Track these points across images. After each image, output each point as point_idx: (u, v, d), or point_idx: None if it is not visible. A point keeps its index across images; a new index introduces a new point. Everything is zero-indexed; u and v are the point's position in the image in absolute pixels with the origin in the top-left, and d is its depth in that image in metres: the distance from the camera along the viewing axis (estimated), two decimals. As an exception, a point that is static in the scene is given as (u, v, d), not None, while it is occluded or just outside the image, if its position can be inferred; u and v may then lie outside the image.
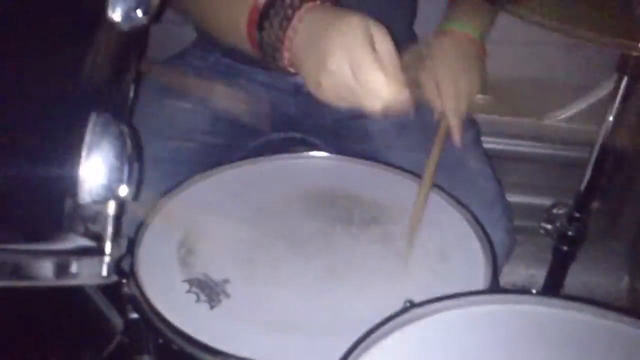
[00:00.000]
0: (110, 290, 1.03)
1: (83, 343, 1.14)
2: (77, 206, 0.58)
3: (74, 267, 0.59)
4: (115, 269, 0.64)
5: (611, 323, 0.82)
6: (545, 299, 0.85)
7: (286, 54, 0.97)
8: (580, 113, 1.72)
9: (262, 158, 1.24)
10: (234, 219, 1.07)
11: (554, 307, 0.84)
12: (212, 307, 0.90)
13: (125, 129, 0.61)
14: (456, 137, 1.22)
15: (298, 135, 1.41)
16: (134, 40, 0.67)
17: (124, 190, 0.59)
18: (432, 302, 0.83)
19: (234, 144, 1.33)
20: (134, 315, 0.94)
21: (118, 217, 0.62)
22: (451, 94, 1.21)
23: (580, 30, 0.84)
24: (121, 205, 0.62)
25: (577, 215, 1.25)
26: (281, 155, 1.25)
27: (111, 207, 0.60)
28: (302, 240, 1.04)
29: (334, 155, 1.25)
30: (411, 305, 0.83)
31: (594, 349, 0.80)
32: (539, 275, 1.39)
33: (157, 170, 1.16)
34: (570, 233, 1.27)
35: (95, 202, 0.58)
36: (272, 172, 1.21)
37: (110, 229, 0.61)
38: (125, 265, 0.95)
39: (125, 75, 0.67)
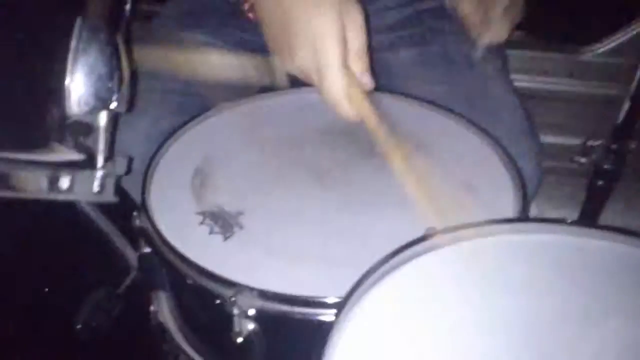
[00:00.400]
0: (125, 226, 1.01)
1: (98, 280, 1.12)
2: (65, 116, 0.54)
3: (64, 181, 0.56)
4: (112, 188, 0.60)
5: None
6: (572, 228, 0.80)
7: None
8: (619, 46, 1.63)
9: (281, 91, 1.19)
10: (251, 151, 1.04)
11: (579, 235, 0.79)
12: (225, 239, 0.87)
13: (117, 38, 0.57)
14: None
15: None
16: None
17: (114, 101, 0.56)
18: (451, 231, 0.79)
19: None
20: (147, 249, 0.92)
21: (110, 131, 0.59)
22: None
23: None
24: (113, 117, 0.58)
25: (614, 147, 1.19)
26: (302, 89, 1.20)
27: (102, 119, 0.57)
28: (321, 171, 1.00)
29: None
30: (431, 233, 0.79)
31: (622, 277, 0.74)
32: (574, 216, 1.33)
33: (169, 104, 1.13)
34: (606, 166, 1.20)
35: (83, 112, 0.55)
36: (292, 105, 1.17)
37: (101, 143, 0.57)
38: (136, 197, 0.93)
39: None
